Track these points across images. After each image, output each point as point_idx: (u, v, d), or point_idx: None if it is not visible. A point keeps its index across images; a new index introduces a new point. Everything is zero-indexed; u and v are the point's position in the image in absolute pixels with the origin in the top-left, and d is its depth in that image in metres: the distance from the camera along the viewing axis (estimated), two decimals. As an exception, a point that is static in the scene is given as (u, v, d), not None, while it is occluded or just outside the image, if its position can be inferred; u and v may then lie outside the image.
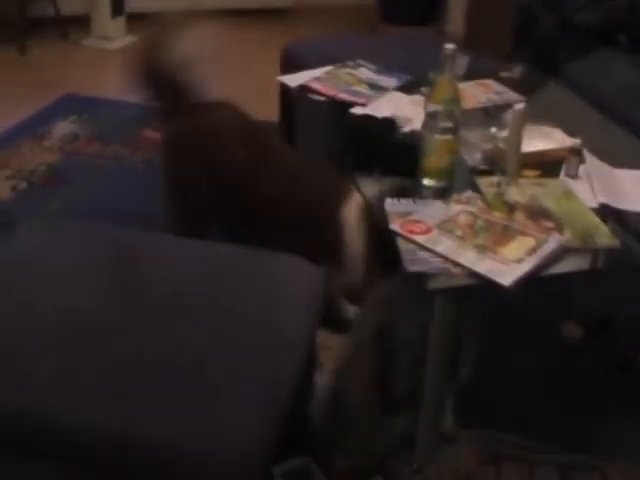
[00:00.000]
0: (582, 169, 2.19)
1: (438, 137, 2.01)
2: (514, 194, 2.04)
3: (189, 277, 1.78)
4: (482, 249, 1.81)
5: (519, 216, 1.96)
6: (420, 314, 2.10)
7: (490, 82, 2.77)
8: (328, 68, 2.77)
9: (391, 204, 1.99)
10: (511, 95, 2.66)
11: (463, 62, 2.65)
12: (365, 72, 2.78)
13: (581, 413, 2.21)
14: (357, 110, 2.50)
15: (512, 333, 2.46)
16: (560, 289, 2.49)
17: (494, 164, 2.17)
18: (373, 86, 2.67)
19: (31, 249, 1.86)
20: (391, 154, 2.19)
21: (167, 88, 2.32)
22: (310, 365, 1.85)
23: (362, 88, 2.65)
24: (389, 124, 2.35)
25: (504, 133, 2.20)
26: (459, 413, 2.11)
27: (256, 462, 1.44)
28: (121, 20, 4.94)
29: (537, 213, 1.98)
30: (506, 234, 1.87)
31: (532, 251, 1.81)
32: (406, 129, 2.34)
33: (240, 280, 1.79)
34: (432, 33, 4.79)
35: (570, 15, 3.53)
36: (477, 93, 2.66)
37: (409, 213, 1.95)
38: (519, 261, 1.77)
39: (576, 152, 2.18)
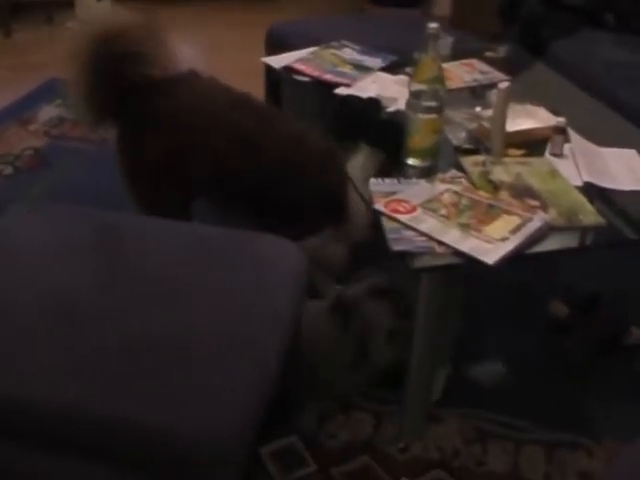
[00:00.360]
0: (567, 148, 2.20)
1: (422, 116, 2.01)
2: (499, 173, 2.04)
3: (174, 259, 1.77)
4: (466, 228, 1.81)
5: (504, 195, 1.96)
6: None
7: (475, 62, 2.77)
8: (313, 49, 2.76)
9: (375, 184, 1.99)
10: (496, 75, 2.65)
11: (448, 42, 2.65)
12: (350, 53, 2.77)
13: (567, 391, 2.21)
14: (342, 91, 2.49)
15: (498, 312, 2.46)
16: (546, 268, 2.49)
17: (479, 143, 2.17)
18: (358, 66, 2.66)
19: (18, 233, 1.86)
20: (375, 134, 2.19)
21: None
22: (296, 344, 1.85)
23: (347, 69, 2.64)
24: (374, 104, 2.34)
25: (489, 112, 2.20)
26: (446, 392, 2.12)
27: (243, 443, 1.44)
28: (106, 3, 4.90)
29: (522, 192, 1.98)
30: (491, 213, 1.87)
31: (516, 229, 1.81)
32: (391, 109, 2.33)
33: (226, 260, 1.78)
34: (420, 14, 4.77)
35: (556, -6, 3.52)
36: (462, 73, 2.66)
37: (393, 192, 1.95)
38: (503, 239, 1.77)
39: (561, 131, 2.18)
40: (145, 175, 2.25)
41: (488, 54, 2.83)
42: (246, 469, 1.56)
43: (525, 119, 2.27)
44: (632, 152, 2.24)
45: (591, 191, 2.03)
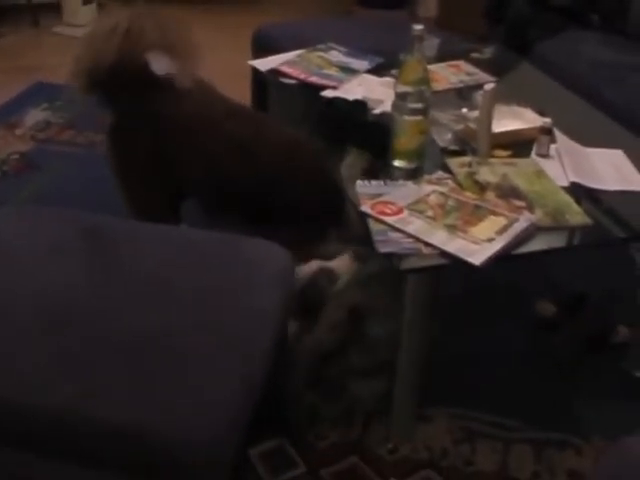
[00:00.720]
0: (553, 148, 2.20)
1: (408, 118, 2.01)
2: (485, 174, 2.05)
3: (162, 261, 1.77)
4: (453, 229, 1.81)
5: (490, 196, 1.97)
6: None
7: (461, 63, 2.77)
8: (299, 52, 2.76)
9: (362, 186, 1.99)
10: (482, 76, 2.66)
11: (434, 44, 2.66)
12: (336, 55, 2.77)
13: (555, 390, 2.22)
14: (328, 93, 2.49)
15: (486, 312, 2.47)
16: (533, 268, 2.50)
17: (465, 144, 2.17)
18: (344, 69, 2.66)
19: (6, 236, 1.85)
20: (362, 136, 2.19)
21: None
22: (284, 346, 1.86)
23: (333, 71, 2.64)
24: (360, 106, 2.35)
25: (475, 113, 2.20)
26: (433, 392, 2.13)
27: (231, 443, 1.44)
28: (92, 7, 4.90)
29: (508, 192, 1.98)
30: (477, 214, 1.87)
31: (503, 230, 1.81)
32: (377, 111, 2.34)
33: (214, 262, 1.78)
34: (406, 16, 4.78)
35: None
36: (448, 74, 2.67)
37: (380, 194, 1.95)
38: (490, 240, 1.78)
39: (547, 131, 2.19)
40: (134, 170, 2.28)
41: (474, 55, 2.84)
42: (235, 470, 1.56)
43: (511, 120, 2.28)
44: (618, 152, 2.25)
45: (577, 191, 2.03)
